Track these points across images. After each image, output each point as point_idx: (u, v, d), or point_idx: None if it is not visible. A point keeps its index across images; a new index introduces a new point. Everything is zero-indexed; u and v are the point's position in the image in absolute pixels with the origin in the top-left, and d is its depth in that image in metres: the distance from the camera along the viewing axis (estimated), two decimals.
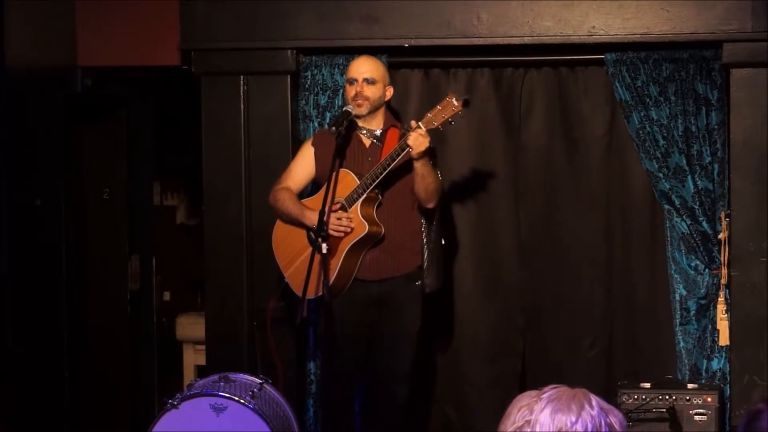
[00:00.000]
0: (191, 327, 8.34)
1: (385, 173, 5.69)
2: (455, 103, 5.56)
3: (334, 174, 5.64)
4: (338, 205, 5.73)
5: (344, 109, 5.84)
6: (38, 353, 6.58)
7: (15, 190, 6.33)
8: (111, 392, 7.59)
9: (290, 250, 5.97)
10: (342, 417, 5.99)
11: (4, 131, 6.25)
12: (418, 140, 5.59)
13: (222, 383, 5.67)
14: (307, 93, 6.57)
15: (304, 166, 6.03)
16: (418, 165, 5.67)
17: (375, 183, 5.71)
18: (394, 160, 5.66)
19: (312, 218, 5.75)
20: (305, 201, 5.94)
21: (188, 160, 7.72)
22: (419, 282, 5.93)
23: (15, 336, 6.35)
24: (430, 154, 5.82)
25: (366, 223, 5.72)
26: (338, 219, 5.68)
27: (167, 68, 6.85)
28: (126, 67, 7.02)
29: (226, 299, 6.60)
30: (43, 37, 6.74)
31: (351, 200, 5.73)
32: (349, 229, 5.69)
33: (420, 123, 5.61)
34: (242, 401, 5.50)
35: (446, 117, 5.59)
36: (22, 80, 6.46)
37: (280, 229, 6.03)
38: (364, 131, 5.91)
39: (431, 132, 5.65)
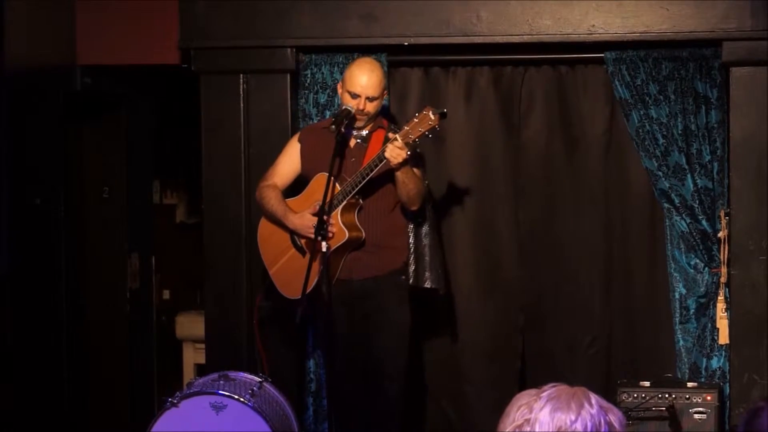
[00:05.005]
0: (191, 325, 8.34)
1: (364, 182, 5.69)
2: (432, 117, 5.52)
3: (331, 176, 5.62)
4: (317, 208, 5.71)
5: (344, 107, 5.81)
6: (38, 352, 6.59)
7: (14, 189, 6.33)
8: (110, 391, 7.59)
9: (275, 248, 5.99)
10: (357, 413, 5.97)
11: (4, 130, 6.25)
12: (394, 152, 5.58)
13: (222, 382, 5.67)
14: (306, 91, 6.57)
15: (290, 162, 6.03)
16: (398, 174, 5.69)
17: (354, 191, 5.72)
18: (372, 170, 5.68)
19: (294, 221, 5.82)
20: (288, 201, 5.94)
21: (188, 158, 7.73)
22: (404, 276, 5.93)
23: (14, 335, 6.35)
24: (416, 160, 5.81)
25: (346, 230, 5.73)
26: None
27: (167, 66, 6.86)
28: (125, 66, 7.03)
29: (226, 298, 6.60)
30: (42, 36, 6.74)
31: (331, 206, 5.71)
32: (330, 235, 5.68)
33: (397, 135, 5.59)
34: (242, 400, 5.51)
35: (423, 130, 5.56)
36: (22, 78, 6.46)
37: (265, 227, 6.05)
38: (352, 132, 5.90)
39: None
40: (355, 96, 5.81)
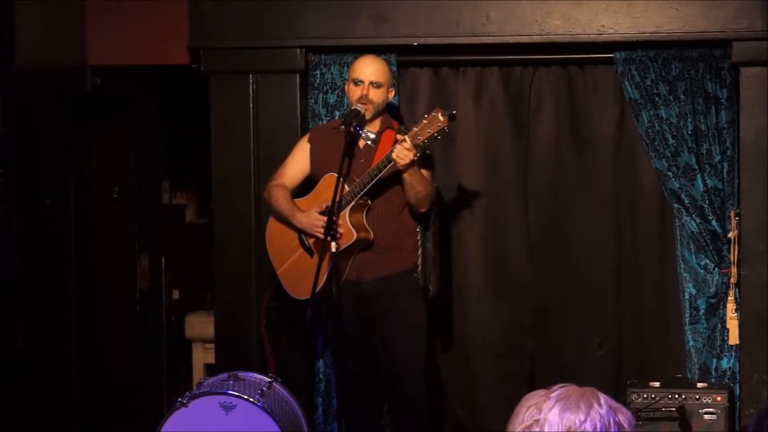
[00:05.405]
0: (200, 325, 8.35)
1: (372, 183, 5.67)
2: (441, 118, 5.48)
3: (340, 177, 5.61)
4: (324, 207, 5.70)
5: (353, 108, 5.79)
6: (47, 352, 6.59)
7: (24, 190, 6.34)
8: (120, 391, 7.61)
9: (283, 248, 5.98)
10: (366, 414, 5.96)
11: (14, 130, 6.25)
12: (402, 153, 5.55)
13: (231, 382, 5.67)
14: (316, 92, 6.57)
15: (299, 162, 6.02)
16: (405, 175, 5.65)
17: (362, 192, 5.70)
18: (381, 171, 5.64)
19: (301, 220, 5.81)
20: (297, 201, 5.94)
21: (197, 158, 7.74)
22: (416, 274, 5.92)
23: (24, 335, 6.36)
24: (425, 161, 5.80)
25: (354, 231, 5.71)
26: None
27: (176, 67, 6.86)
28: (135, 66, 7.03)
29: (235, 298, 6.60)
30: (52, 37, 6.75)
31: (339, 207, 5.71)
32: (337, 235, 5.66)
33: (406, 136, 5.58)
34: (251, 400, 5.51)
35: (432, 132, 5.52)
36: (32, 79, 6.46)
37: (273, 226, 6.04)
38: (361, 132, 5.89)
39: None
40: (358, 82, 5.82)
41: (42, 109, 6.61)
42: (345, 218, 5.70)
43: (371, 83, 5.81)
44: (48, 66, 6.70)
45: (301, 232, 5.89)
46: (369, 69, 5.86)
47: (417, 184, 5.68)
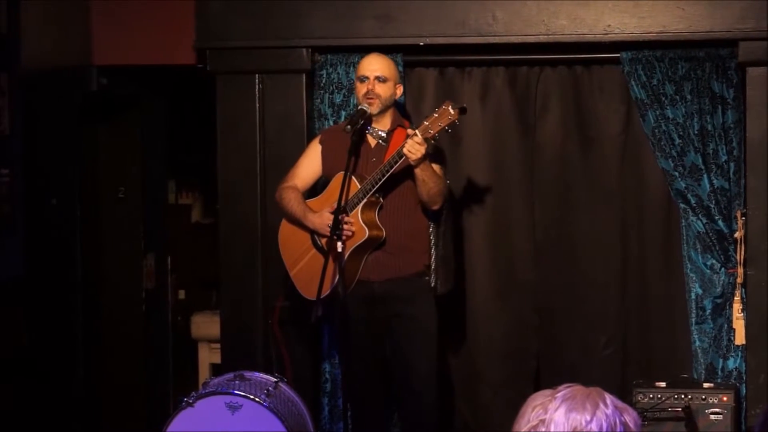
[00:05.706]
0: (206, 325, 8.35)
1: (383, 179, 5.67)
2: (451, 111, 5.48)
3: (349, 175, 5.61)
4: (337, 207, 5.70)
5: (360, 107, 5.81)
6: (52, 352, 6.60)
7: (30, 190, 6.35)
8: (126, 391, 7.61)
9: (295, 249, 5.97)
10: (373, 414, 5.96)
11: (20, 130, 6.26)
12: (413, 147, 5.55)
13: (237, 381, 5.67)
14: (322, 91, 6.57)
15: (311, 164, 6.02)
16: (417, 171, 5.64)
17: (374, 189, 5.70)
18: (392, 167, 5.64)
19: (313, 221, 5.80)
20: (309, 201, 5.94)
21: (203, 158, 7.74)
22: (427, 277, 5.91)
23: (30, 335, 6.37)
24: (438, 157, 5.80)
25: (366, 228, 5.70)
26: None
27: (183, 67, 6.86)
28: (141, 66, 7.03)
29: (241, 298, 6.60)
30: (58, 36, 6.75)
31: (351, 204, 5.69)
32: (349, 233, 5.66)
33: (416, 131, 5.58)
34: (257, 400, 5.51)
35: (442, 125, 5.52)
36: (38, 79, 6.47)
37: (285, 228, 6.04)
38: (371, 131, 5.89)
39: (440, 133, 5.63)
40: (363, 79, 5.83)
41: (48, 109, 6.61)
42: (357, 216, 5.70)
43: (376, 77, 5.82)
44: (54, 66, 6.70)
45: (313, 232, 5.89)
46: (373, 65, 5.88)
47: (429, 180, 5.68)
